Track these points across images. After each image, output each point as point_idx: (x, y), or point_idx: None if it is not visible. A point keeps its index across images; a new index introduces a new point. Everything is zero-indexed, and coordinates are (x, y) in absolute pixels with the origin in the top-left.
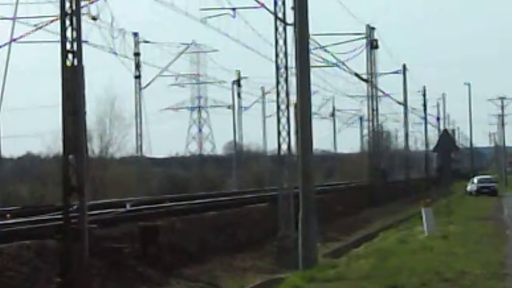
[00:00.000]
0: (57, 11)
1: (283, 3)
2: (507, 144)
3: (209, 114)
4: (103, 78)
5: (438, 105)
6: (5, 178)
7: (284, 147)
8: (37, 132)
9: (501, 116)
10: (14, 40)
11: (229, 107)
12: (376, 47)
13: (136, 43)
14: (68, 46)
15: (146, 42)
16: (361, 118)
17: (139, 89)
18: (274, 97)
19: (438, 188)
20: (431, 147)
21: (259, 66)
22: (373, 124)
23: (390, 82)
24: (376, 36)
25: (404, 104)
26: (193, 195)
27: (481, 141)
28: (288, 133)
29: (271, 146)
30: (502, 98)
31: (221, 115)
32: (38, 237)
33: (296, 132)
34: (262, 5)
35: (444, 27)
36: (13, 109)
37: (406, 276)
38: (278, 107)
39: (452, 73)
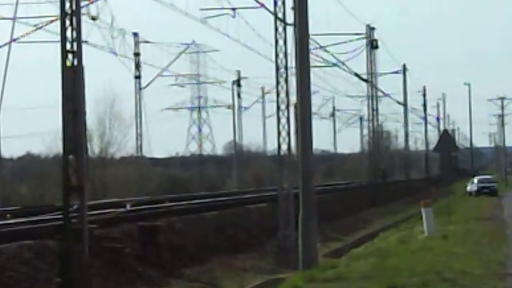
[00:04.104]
0: (57, 11)
1: (283, 3)
2: (507, 144)
3: (209, 114)
4: (103, 78)
5: (438, 105)
6: (5, 178)
7: (284, 147)
8: (37, 132)
9: (501, 116)
10: (14, 40)
11: (229, 107)
12: (376, 47)
13: (136, 43)
14: (68, 46)
15: (146, 42)
16: (361, 118)
17: (139, 89)
18: (274, 97)
19: (439, 188)
20: (431, 147)
21: (259, 66)
22: (373, 124)
23: (390, 82)
24: (376, 36)
25: (404, 104)
26: (193, 195)
27: (481, 141)
28: (288, 133)
29: (271, 146)
30: (502, 98)
31: (221, 115)
32: (39, 237)
33: (296, 132)
34: (262, 5)
35: (444, 27)
36: (13, 109)
37: (406, 276)
38: (278, 107)
39: (452, 73)
